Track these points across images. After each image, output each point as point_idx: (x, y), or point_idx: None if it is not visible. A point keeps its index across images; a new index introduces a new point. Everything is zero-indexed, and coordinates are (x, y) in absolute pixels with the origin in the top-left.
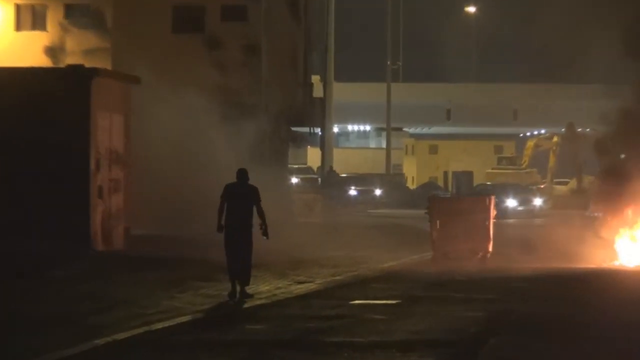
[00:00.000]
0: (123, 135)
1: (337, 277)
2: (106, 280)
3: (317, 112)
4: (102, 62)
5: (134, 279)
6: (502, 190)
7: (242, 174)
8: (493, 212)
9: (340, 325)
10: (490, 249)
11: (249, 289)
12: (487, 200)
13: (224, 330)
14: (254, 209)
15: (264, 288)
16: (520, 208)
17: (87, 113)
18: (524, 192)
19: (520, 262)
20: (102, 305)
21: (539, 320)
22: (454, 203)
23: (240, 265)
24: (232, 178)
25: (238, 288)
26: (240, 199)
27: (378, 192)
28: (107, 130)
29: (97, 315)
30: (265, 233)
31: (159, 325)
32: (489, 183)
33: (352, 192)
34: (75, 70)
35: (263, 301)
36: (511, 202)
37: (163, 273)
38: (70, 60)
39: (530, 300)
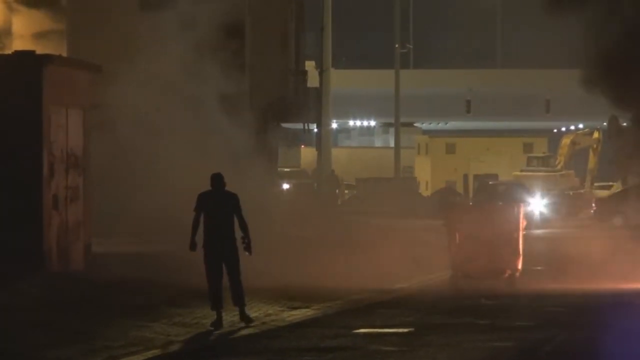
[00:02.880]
0: (82, 134)
1: (338, 302)
2: (63, 307)
3: (312, 104)
4: (56, 48)
5: (96, 306)
6: None
7: (217, 179)
8: (523, 223)
9: (342, 358)
10: (520, 266)
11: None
12: (516, 209)
13: None
14: (235, 220)
15: (251, 315)
16: None
17: (38, 108)
18: None
19: (557, 282)
20: (58, 337)
21: (580, 352)
22: (475, 212)
23: (230, 287)
24: (209, 185)
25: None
26: (218, 210)
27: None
28: (62, 129)
29: (53, 349)
30: (247, 248)
31: None
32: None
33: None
34: (24, 57)
35: (250, 331)
36: None
37: (130, 298)
38: (17, 45)
39: (569, 328)
